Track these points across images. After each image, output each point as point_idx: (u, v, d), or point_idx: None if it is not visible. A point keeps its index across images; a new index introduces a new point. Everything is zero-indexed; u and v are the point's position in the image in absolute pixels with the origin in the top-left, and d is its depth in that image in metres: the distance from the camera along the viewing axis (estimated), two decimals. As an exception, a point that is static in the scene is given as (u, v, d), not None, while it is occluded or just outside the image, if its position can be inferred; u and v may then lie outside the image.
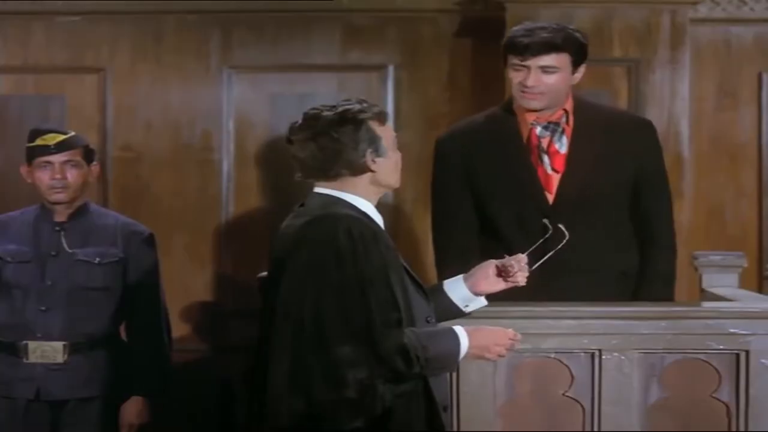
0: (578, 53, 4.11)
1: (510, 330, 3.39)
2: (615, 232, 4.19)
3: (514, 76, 4.08)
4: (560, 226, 3.46)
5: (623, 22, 5.27)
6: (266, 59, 5.60)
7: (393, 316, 3.20)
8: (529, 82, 4.05)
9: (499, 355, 3.38)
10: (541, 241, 3.54)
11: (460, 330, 3.32)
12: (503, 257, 3.59)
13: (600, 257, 4.14)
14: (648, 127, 4.29)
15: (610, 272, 4.16)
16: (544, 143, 4.15)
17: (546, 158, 4.15)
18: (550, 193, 4.14)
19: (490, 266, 3.53)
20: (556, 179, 4.14)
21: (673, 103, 5.28)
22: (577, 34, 4.13)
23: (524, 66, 4.06)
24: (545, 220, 3.53)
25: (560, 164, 4.14)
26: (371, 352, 3.13)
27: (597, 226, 4.14)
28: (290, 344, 3.16)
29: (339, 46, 5.59)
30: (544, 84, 4.06)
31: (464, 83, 5.55)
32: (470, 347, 3.31)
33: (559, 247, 3.48)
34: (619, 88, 5.27)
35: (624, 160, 4.16)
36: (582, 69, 4.14)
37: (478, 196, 4.21)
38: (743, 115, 5.59)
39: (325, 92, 5.43)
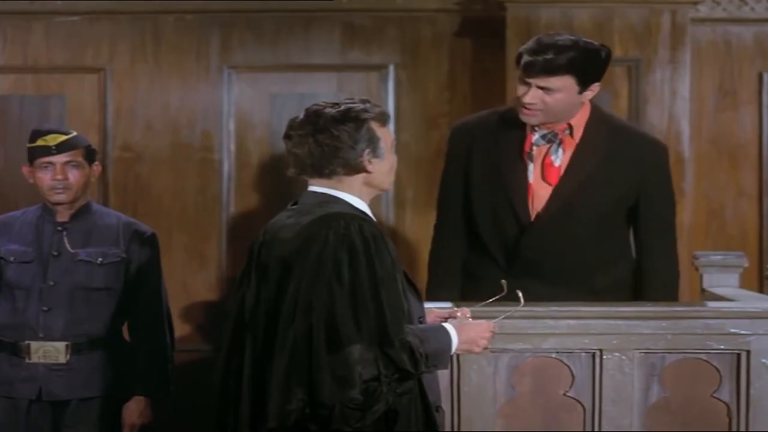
0: (586, 73, 3.99)
1: (491, 323, 3.40)
2: (598, 249, 4.13)
3: (517, 89, 4.03)
4: (518, 292, 3.46)
5: (623, 21, 5.26)
6: (266, 59, 5.59)
7: (401, 316, 3.20)
8: (527, 99, 3.99)
9: (484, 348, 3.40)
10: (493, 299, 3.54)
11: (448, 326, 3.33)
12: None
13: (572, 274, 4.11)
14: (657, 148, 4.20)
15: (579, 289, 4.10)
16: (537, 152, 4.10)
17: (532, 167, 4.09)
18: (530, 203, 4.09)
19: (431, 314, 3.49)
20: (545, 191, 4.09)
21: (674, 102, 5.28)
22: (593, 53, 4.00)
23: (526, 82, 3.99)
24: (503, 282, 3.51)
25: (554, 177, 4.09)
26: (381, 353, 3.12)
27: (577, 243, 4.09)
28: (295, 343, 3.13)
29: (339, 45, 5.59)
30: (542, 102, 3.99)
31: (464, 83, 5.55)
32: (459, 342, 3.32)
33: (514, 310, 3.48)
34: (620, 88, 5.27)
35: (623, 178, 4.09)
36: (595, 87, 4.04)
37: (468, 191, 4.19)
38: (743, 115, 5.58)
39: (324, 92, 5.43)
